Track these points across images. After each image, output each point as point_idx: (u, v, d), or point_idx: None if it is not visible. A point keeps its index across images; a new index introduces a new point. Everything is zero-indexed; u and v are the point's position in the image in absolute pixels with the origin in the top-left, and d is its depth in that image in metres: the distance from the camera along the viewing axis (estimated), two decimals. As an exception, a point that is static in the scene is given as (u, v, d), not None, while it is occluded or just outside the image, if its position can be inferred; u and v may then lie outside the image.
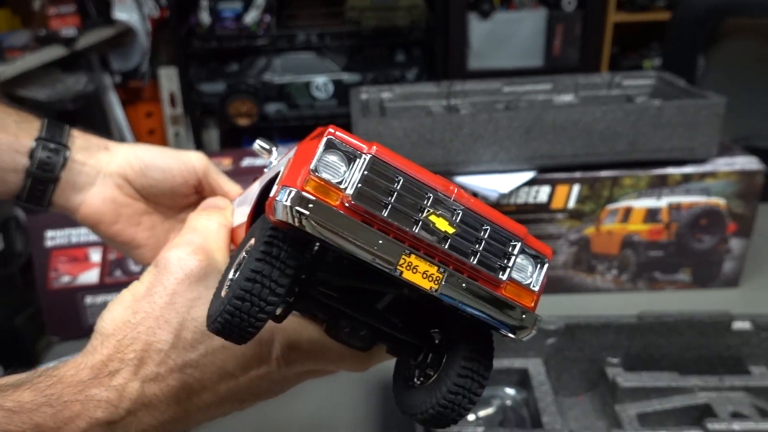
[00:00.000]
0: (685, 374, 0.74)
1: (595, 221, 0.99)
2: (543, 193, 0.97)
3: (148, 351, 0.43)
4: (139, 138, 2.88)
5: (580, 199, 0.98)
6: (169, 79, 2.94)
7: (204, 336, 0.44)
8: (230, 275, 0.39)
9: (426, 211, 0.36)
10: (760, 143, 1.51)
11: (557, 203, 0.98)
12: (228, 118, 2.73)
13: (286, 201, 0.33)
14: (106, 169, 0.61)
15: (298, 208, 0.33)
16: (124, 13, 2.64)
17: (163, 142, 2.98)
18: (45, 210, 0.64)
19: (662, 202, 0.99)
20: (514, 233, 0.38)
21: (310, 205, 0.33)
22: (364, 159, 0.35)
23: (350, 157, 0.35)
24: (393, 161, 0.36)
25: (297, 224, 0.33)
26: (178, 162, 0.62)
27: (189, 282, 0.45)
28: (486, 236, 0.37)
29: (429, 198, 0.36)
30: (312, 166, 0.34)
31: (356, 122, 0.97)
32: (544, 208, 0.98)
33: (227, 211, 0.53)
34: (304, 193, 0.34)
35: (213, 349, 0.44)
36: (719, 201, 0.99)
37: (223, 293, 0.39)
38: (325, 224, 0.34)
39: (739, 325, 0.75)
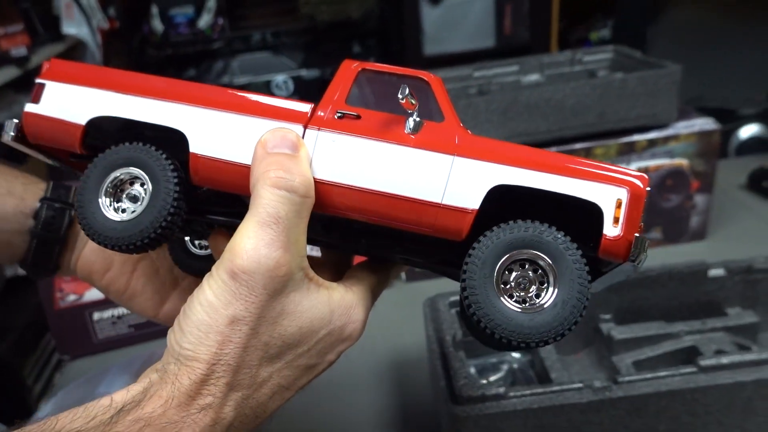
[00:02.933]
0: (671, 321, 0.81)
1: (572, 191, 1.06)
2: (522, 169, 1.04)
3: (237, 375, 0.42)
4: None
5: (557, 172, 1.04)
6: (125, 90, 2.91)
7: (288, 346, 0.43)
8: None
9: None
10: (710, 103, 1.62)
11: (536, 178, 1.05)
12: (191, 124, 2.72)
13: None
14: None
15: None
16: (72, 28, 2.59)
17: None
18: (51, 274, 0.61)
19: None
20: None
21: None
22: None
23: None
24: None
25: None
26: None
27: (274, 300, 0.42)
28: None
29: None
30: None
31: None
32: (524, 183, 1.04)
33: (301, 162, 0.44)
34: None
35: (298, 354, 0.44)
36: (682, 161, 1.07)
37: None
38: None
39: (714, 272, 0.83)
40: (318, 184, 0.44)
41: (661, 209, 1.10)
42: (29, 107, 0.49)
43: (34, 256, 0.59)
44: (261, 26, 2.83)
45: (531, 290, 0.43)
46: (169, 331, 0.43)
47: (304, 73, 2.79)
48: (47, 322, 1.00)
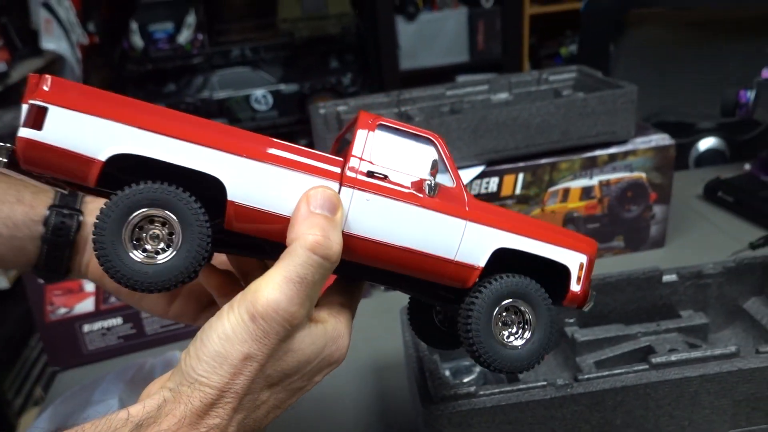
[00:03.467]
0: (629, 324, 0.88)
1: (540, 203, 1.13)
2: (493, 183, 1.10)
3: (242, 401, 0.47)
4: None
5: (525, 186, 1.11)
6: (104, 105, 2.92)
7: (286, 375, 0.49)
8: None
9: None
10: (668, 118, 1.71)
11: (506, 191, 1.11)
12: (171, 138, 2.75)
13: None
14: None
15: None
16: (52, 43, 2.61)
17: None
18: (62, 278, 0.65)
19: (594, 180, 1.13)
20: None
21: None
22: None
23: None
24: None
25: None
26: None
27: (283, 343, 0.47)
28: None
29: None
30: None
31: (322, 136, 1.06)
32: (495, 196, 1.11)
33: (338, 227, 0.48)
34: None
35: (293, 380, 0.50)
36: (641, 174, 1.14)
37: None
38: None
39: (668, 277, 0.90)
40: (348, 237, 0.49)
41: (623, 219, 1.17)
42: (28, 133, 0.43)
43: (46, 261, 0.63)
44: (240, 42, 2.88)
45: (515, 331, 0.55)
46: (184, 353, 0.47)
47: (283, 87, 2.84)
48: (32, 335, 1.03)
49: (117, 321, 1.03)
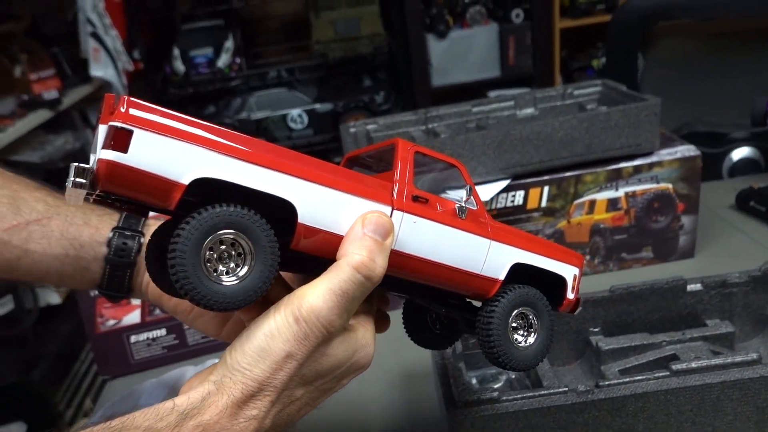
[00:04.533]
0: (653, 333, 0.89)
1: (565, 215, 1.15)
2: (518, 196, 1.13)
3: (280, 395, 0.51)
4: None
5: (551, 198, 1.14)
6: (148, 128, 3.05)
7: (320, 375, 0.53)
8: None
9: None
10: (700, 128, 1.70)
11: (532, 204, 1.14)
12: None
13: None
14: None
15: None
16: (99, 71, 2.75)
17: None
18: (125, 296, 0.68)
19: (620, 192, 1.15)
20: None
21: None
22: None
23: None
24: None
25: None
26: None
27: (321, 346, 0.51)
28: None
29: None
30: None
31: (351, 155, 1.11)
32: (521, 209, 1.14)
33: (385, 252, 0.52)
34: None
35: (324, 381, 0.54)
36: (668, 185, 1.15)
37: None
38: None
39: (692, 287, 0.91)
40: (395, 253, 0.55)
41: (651, 230, 1.18)
42: (112, 155, 0.43)
43: (109, 281, 0.67)
44: (276, 63, 2.98)
45: (523, 334, 0.62)
46: (229, 348, 0.51)
47: (317, 106, 2.92)
48: (82, 349, 1.10)
49: (161, 332, 1.09)
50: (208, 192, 0.47)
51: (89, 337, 1.09)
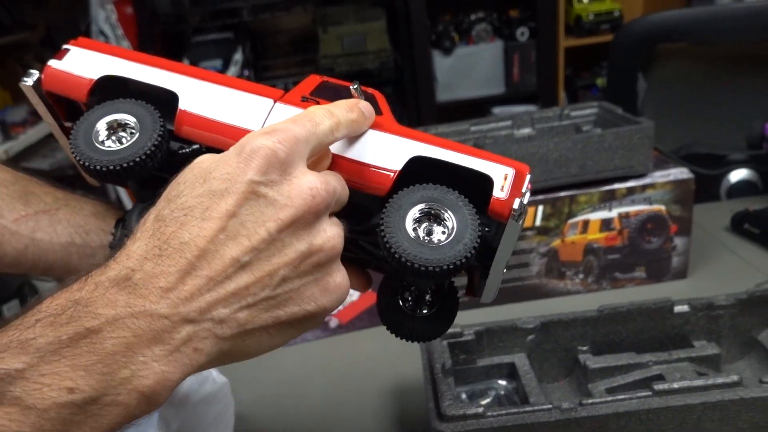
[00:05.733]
0: (641, 353, 0.90)
1: (559, 234, 1.17)
2: (513, 215, 1.15)
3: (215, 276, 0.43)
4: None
5: (545, 217, 1.16)
6: (157, 137, 3.10)
7: (268, 243, 0.44)
8: None
9: None
10: (699, 149, 1.72)
11: (526, 222, 1.16)
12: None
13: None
14: None
15: None
16: (110, 80, 2.80)
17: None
18: None
19: (613, 212, 1.17)
20: None
21: None
22: None
23: None
24: None
25: None
26: None
27: (272, 187, 0.45)
28: None
29: None
30: None
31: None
32: (515, 227, 1.16)
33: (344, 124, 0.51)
34: None
35: (284, 261, 0.45)
36: (661, 207, 1.17)
37: None
38: None
39: (679, 308, 0.92)
40: None
41: (644, 250, 1.20)
42: (52, 62, 0.58)
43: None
44: (284, 77, 3.03)
45: (434, 231, 0.54)
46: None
47: (323, 119, 2.96)
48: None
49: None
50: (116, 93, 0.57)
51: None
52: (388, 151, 0.55)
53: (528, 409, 0.75)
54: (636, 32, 1.84)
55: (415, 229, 0.54)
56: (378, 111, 0.59)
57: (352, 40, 2.83)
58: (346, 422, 0.98)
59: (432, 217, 0.54)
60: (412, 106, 3.02)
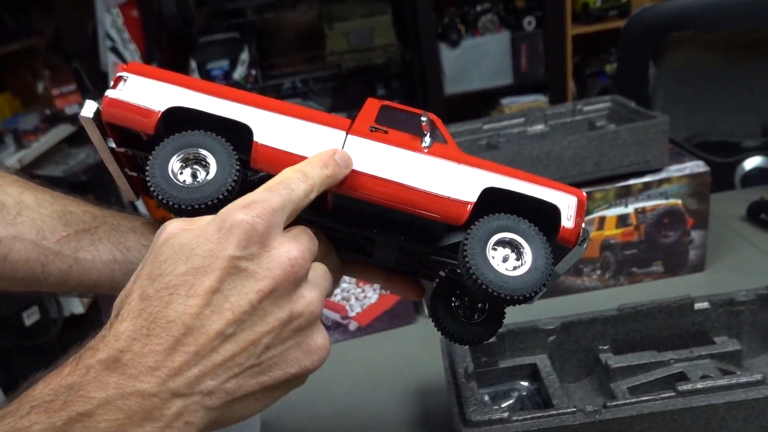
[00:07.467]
0: (662, 351, 0.91)
1: (575, 232, 1.17)
2: (529, 214, 1.15)
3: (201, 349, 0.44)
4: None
5: (561, 215, 1.16)
6: (167, 138, 3.12)
7: (250, 313, 0.45)
8: None
9: None
10: (712, 137, 1.71)
11: (542, 221, 1.16)
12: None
13: None
14: None
15: None
16: (119, 84, 2.81)
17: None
18: None
19: (629, 208, 1.17)
20: None
21: None
22: None
23: None
24: None
25: None
26: None
27: (252, 261, 0.46)
28: None
29: None
30: None
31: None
32: (531, 226, 1.16)
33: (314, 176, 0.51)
34: None
35: (265, 329, 0.46)
36: (677, 201, 1.17)
37: None
38: None
39: (700, 305, 0.92)
40: (352, 174, 0.56)
41: (661, 245, 1.20)
42: (110, 92, 0.56)
43: None
44: (291, 74, 3.03)
45: (512, 261, 0.57)
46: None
47: (332, 116, 2.96)
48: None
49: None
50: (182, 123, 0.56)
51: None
52: (461, 182, 0.57)
53: (552, 412, 0.76)
54: (646, 21, 1.82)
55: (494, 257, 0.57)
56: (442, 139, 0.60)
57: (358, 36, 2.82)
58: (369, 424, 0.99)
59: (507, 244, 0.57)
60: (420, 99, 3.02)
